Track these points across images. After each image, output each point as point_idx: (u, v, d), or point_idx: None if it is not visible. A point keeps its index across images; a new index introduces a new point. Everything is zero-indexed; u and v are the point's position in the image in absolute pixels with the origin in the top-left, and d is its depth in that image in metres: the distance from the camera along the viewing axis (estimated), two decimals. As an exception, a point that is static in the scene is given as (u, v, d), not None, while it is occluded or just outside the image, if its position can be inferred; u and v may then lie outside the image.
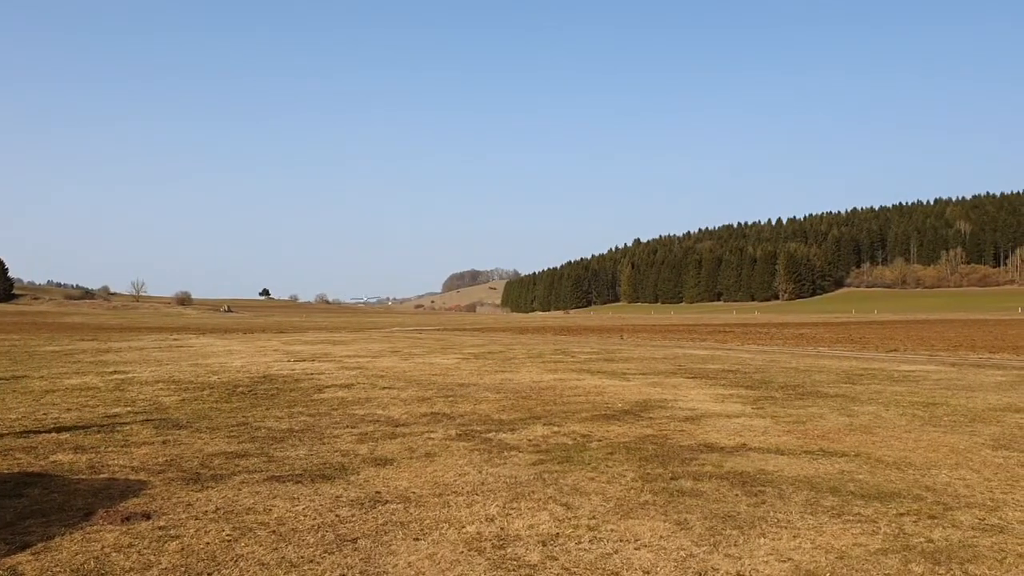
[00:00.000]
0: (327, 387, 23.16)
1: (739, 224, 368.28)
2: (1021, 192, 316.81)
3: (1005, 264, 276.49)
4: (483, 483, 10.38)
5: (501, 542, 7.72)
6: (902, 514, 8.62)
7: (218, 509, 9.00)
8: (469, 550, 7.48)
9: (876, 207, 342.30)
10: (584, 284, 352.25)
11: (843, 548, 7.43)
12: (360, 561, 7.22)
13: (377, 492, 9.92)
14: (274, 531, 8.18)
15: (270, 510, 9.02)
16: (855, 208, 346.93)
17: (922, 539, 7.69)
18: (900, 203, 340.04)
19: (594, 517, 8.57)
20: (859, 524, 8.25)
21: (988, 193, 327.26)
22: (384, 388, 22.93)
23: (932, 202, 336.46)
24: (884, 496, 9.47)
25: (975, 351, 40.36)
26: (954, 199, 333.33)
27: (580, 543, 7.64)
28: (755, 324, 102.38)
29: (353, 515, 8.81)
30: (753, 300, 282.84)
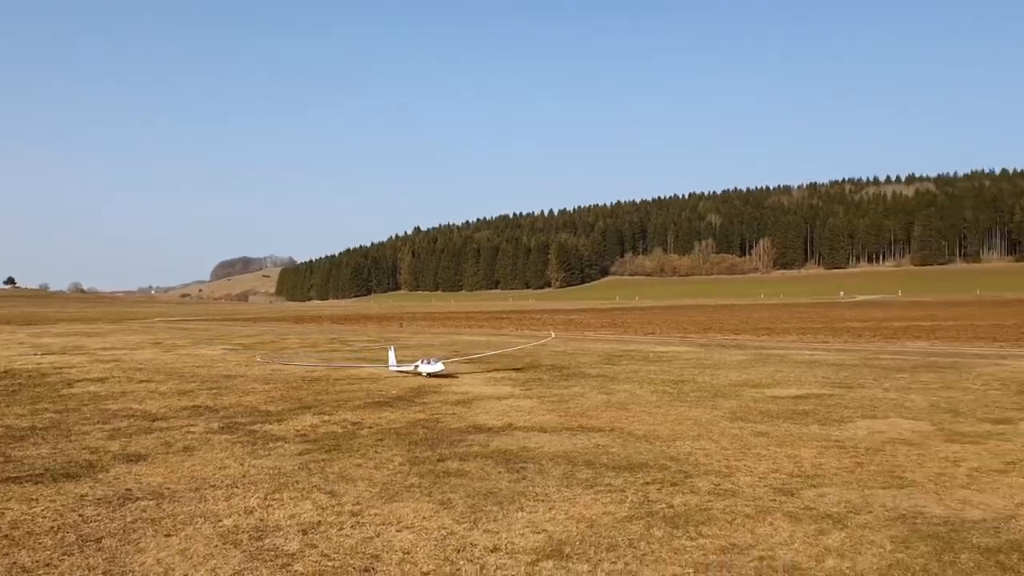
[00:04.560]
0: (78, 381, 21.46)
1: (515, 215, 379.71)
2: (763, 188, 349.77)
3: (750, 254, 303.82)
4: (244, 475, 10.04)
5: (259, 533, 7.51)
6: (648, 483, 9.25)
7: (-63, 519, 8.11)
8: (225, 543, 7.22)
9: (637, 200, 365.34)
10: (364, 272, 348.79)
11: (594, 517, 7.87)
12: (104, 561, 6.77)
13: (128, 489, 9.34)
14: (6, 535, 7.50)
15: (3, 513, 8.26)
16: (619, 201, 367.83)
17: (664, 505, 8.29)
18: (659, 197, 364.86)
19: (358, 503, 8.54)
20: (609, 494, 8.77)
21: (736, 188, 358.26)
22: (142, 381, 21.58)
23: (687, 196, 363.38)
24: (633, 467, 10.12)
25: (722, 333, 43.98)
26: (706, 194, 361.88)
27: (342, 529, 7.58)
28: (529, 311, 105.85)
29: (99, 514, 8.24)
30: (528, 288, 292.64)
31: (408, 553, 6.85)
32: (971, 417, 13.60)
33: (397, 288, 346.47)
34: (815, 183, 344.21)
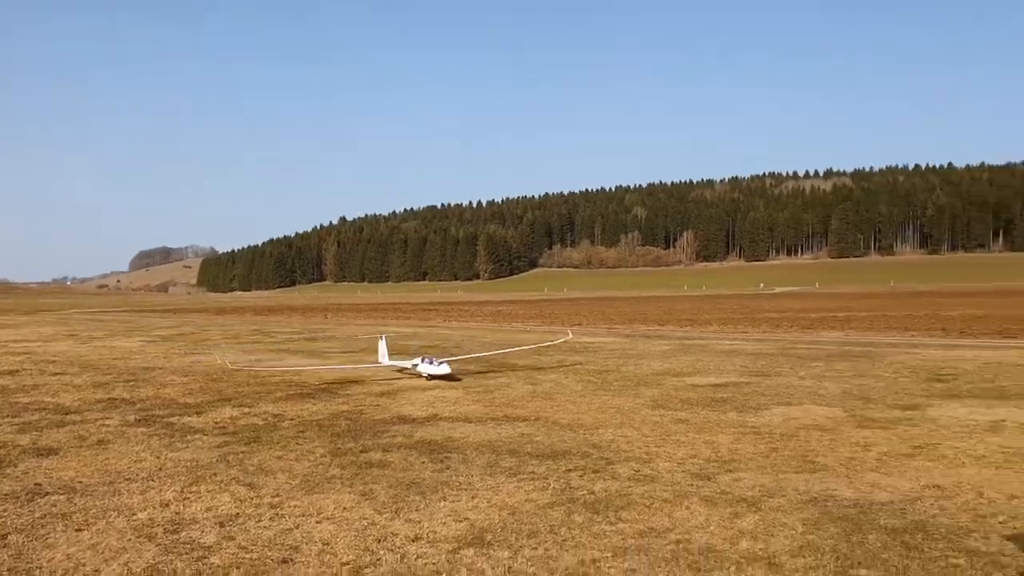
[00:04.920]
0: (-16, 376, 20.66)
1: (442, 205, 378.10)
2: (687, 182, 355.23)
3: (674, 246, 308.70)
4: (160, 468, 9.81)
5: (175, 526, 7.34)
6: (570, 470, 9.35)
7: None
8: (139, 537, 7.04)
9: (566, 192, 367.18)
10: (288, 263, 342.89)
11: (516, 504, 7.91)
12: (9, 558, 6.54)
13: (37, 484, 9.04)
14: (-97, 537, 7.18)
15: (-101, 514, 7.91)
16: (547, 193, 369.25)
17: (585, 491, 8.39)
18: (586, 189, 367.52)
19: (278, 495, 8.42)
20: (532, 482, 8.83)
21: (660, 182, 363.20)
22: (55, 374, 20.89)
23: (614, 189, 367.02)
24: (556, 455, 10.21)
25: (646, 324, 44.62)
26: (632, 187, 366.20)
27: (260, 521, 7.46)
28: (458, 302, 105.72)
29: (6, 510, 7.96)
30: (457, 279, 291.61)
31: (328, 544, 6.79)
32: (881, 404, 14.09)
33: (322, 279, 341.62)
34: (737, 177, 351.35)
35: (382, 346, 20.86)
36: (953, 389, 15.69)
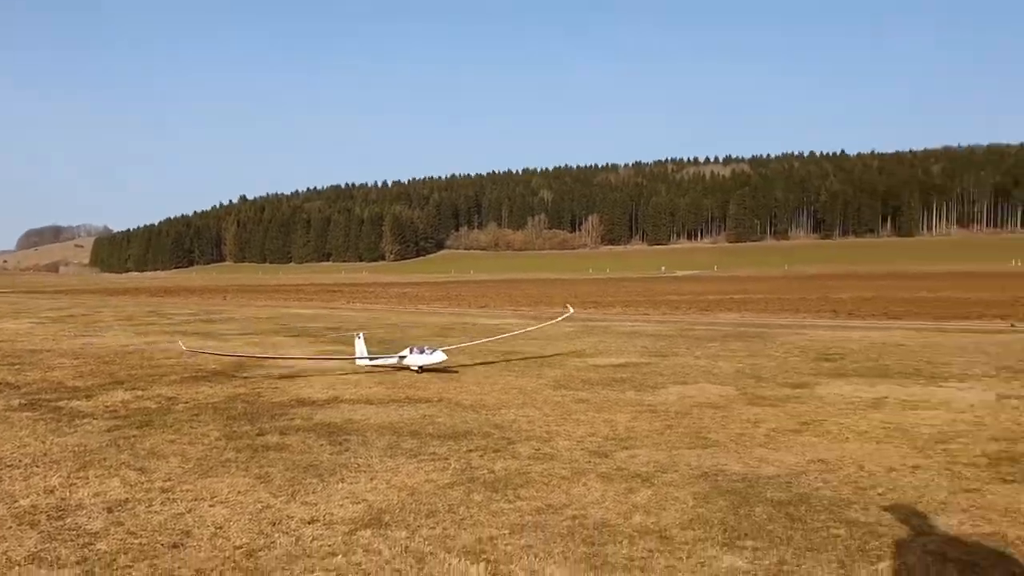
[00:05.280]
0: None
1: (347, 185, 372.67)
2: (592, 166, 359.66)
3: (580, 230, 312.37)
4: (46, 454, 9.43)
5: (60, 513, 7.08)
6: (471, 450, 9.39)
7: None
8: (20, 524, 6.76)
9: (473, 174, 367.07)
10: (186, 243, 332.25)
11: (415, 485, 7.91)
12: None
13: (-91, 474, 8.56)
14: None
15: None
16: (454, 174, 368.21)
17: (486, 471, 8.44)
18: (494, 171, 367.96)
19: (170, 479, 8.20)
20: (433, 462, 8.84)
21: (567, 165, 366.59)
22: (-70, 358, 19.81)
23: (521, 172, 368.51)
24: (458, 435, 10.24)
25: (552, 306, 45.06)
26: (539, 170, 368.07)
27: (151, 506, 7.26)
28: (362, 284, 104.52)
29: None
30: (361, 260, 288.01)
31: (221, 528, 6.65)
32: (772, 382, 14.62)
33: (222, 259, 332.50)
34: (640, 162, 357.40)
35: (360, 344, 18.04)
36: (840, 368, 16.39)
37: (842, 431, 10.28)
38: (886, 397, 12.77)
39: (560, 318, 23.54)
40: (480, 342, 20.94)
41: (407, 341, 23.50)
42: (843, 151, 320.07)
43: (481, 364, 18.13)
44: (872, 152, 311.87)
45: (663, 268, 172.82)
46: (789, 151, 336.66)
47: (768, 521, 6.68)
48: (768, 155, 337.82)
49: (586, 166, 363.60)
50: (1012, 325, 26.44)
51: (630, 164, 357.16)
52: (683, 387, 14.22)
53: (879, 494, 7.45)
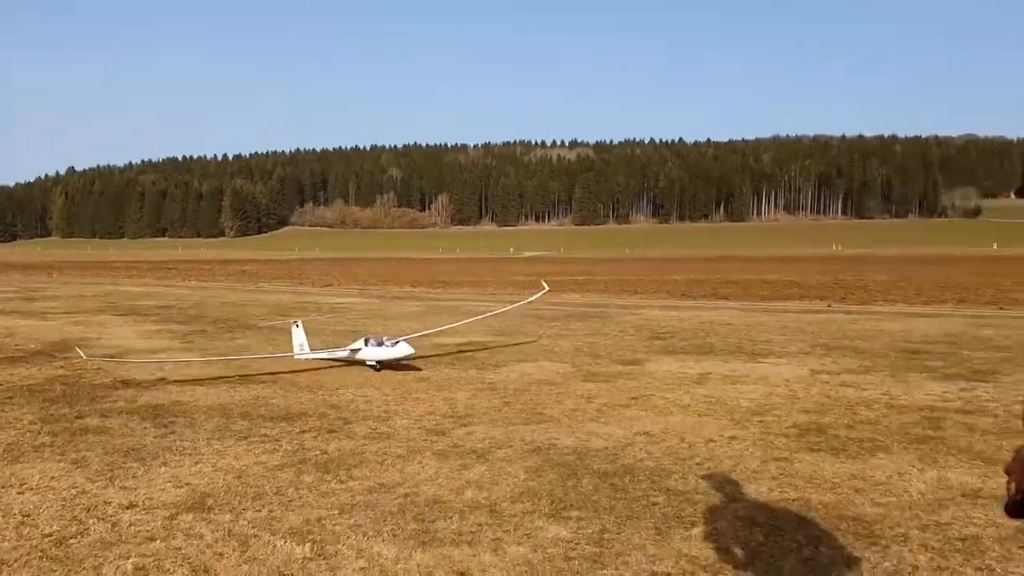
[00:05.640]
0: None
1: (184, 158, 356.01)
2: (442, 145, 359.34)
3: (429, 209, 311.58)
4: None
5: None
6: (305, 431, 9.22)
7: None
8: None
9: (319, 149, 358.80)
10: (7, 216, 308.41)
11: (243, 468, 7.69)
12: None
13: None
14: None
15: None
16: (299, 149, 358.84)
17: (318, 452, 8.31)
18: (341, 147, 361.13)
19: (-27, 467, 7.63)
20: (263, 444, 8.62)
21: (416, 143, 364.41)
22: None
23: (369, 148, 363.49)
24: (292, 416, 10.03)
25: (399, 285, 44.84)
26: (388, 147, 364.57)
27: (-51, 497, 6.73)
28: (199, 261, 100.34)
29: None
30: (200, 236, 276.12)
31: (28, 516, 6.26)
32: (607, 359, 15.10)
33: (47, 234, 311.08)
34: (489, 143, 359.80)
35: (298, 334, 14.87)
36: (669, 346, 17.12)
37: (668, 405, 10.75)
38: (710, 373, 13.44)
39: (538, 295, 20.37)
40: (449, 327, 17.95)
41: (244, 319, 22.84)
42: (681, 139, 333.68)
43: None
44: (708, 140, 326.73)
45: (512, 249, 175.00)
46: (631, 137, 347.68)
47: (593, 492, 6.91)
48: (611, 141, 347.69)
49: (436, 145, 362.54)
50: (829, 305, 28.39)
51: (480, 145, 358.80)
52: (523, 365, 14.47)
53: (697, 464, 7.84)
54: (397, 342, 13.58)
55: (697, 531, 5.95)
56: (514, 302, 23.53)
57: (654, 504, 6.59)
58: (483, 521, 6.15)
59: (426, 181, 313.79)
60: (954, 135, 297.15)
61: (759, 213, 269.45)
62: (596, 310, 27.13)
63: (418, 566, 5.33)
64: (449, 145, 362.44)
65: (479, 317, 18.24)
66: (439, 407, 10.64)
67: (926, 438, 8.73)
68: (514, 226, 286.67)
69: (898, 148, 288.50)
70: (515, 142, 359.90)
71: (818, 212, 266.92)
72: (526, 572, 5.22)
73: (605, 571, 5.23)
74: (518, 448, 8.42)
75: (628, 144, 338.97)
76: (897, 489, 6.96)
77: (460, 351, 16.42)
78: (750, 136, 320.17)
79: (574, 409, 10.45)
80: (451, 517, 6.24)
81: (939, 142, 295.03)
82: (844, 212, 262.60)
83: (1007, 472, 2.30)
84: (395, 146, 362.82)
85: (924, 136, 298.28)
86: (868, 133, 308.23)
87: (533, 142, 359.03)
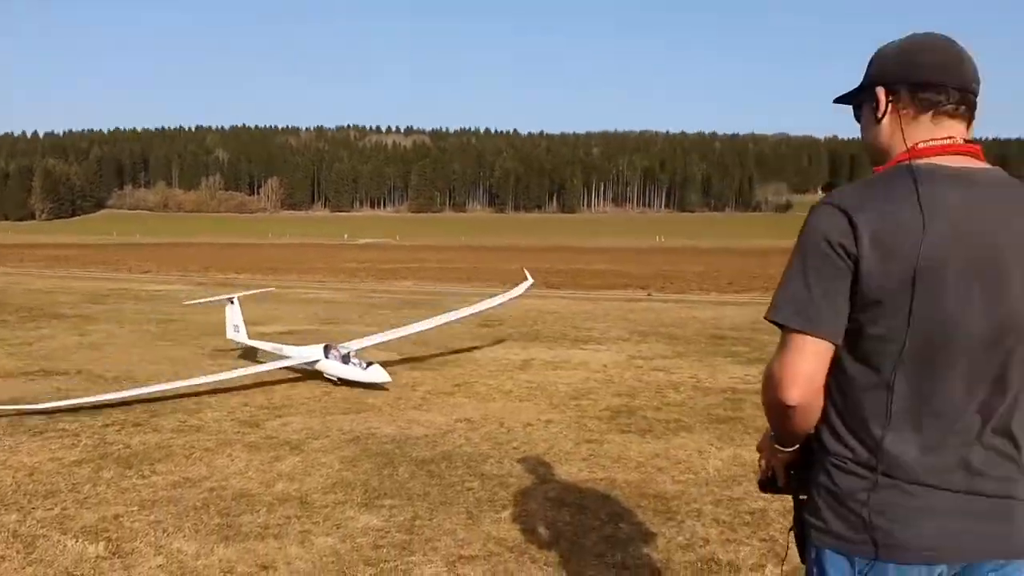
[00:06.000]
0: None
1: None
2: (272, 127, 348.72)
3: (259, 193, 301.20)
4: None
5: None
6: (108, 425, 8.73)
7: None
8: None
9: (139, 129, 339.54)
10: None
11: (36, 464, 7.21)
12: None
13: None
14: None
15: None
16: (117, 128, 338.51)
17: (121, 446, 7.90)
18: (163, 127, 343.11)
19: None
20: (61, 439, 8.10)
21: (244, 124, 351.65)
22: None
23: (193, 128, 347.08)
24: (94, 409, 9.46)
25: (225, 272, 43.19)
26: (214, 128, 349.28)
27: None
28: (5, 245, 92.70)
29: None
30: (7, 219, 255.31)
31: None
32: (433, 346, 15.14)
33: None
34: (322, 127, 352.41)
35: (234, 313, 13.02)
36: (497, 333, 17.40)
37: (490, 391, 10.91)
38: (534, 359, 13.75)
39: (524, 286, 17.29)
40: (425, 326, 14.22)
41: (52, 307, 21.36)
42: (516, 130, 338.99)
43: (131, 332, 16.91)
44: (541, 132, 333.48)
45: (346, 235, 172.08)
46: (467, 127, 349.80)
47: (409, 479, 6.93)
48: (447, 129, 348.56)
49: (265, 127, 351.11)
50: (649, 294, 29.67)
51: (312, 128, 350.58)
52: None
53: (514, 448, 8.01)
54: (370, 364, 10.85)
55: (507, 514, 6.08)
56: (359, 291, 23.22)
57: (469, 489, 6.68)
58: (292, 513, 6.04)
59: (255, 164, 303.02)
60: (769, 133, 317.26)
61: (589, 205, 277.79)
62: (428, 297, 27.15)
63: (220, 561, 5.17)
64: (280, 128, 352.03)
65: (457, 315, 14.87)
66: (254, 398, 10.35)
67: (726, 418, 9.30)
68: (348, 212, 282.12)
69: (717, 145, 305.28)
70: (349, 126, 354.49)
71: (644, 205, 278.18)
72: (332, 563, 5.17)
73: (413, 557, 5.26)
74: (335, 438, 8.31)
75: (464, 133, 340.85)
76: (696, 467, 7.38)
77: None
78: (581, 130, 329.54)
79: (398, 397, 10.42)
80: (258, 510, 6.09)
81: (755, 140, 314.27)
82: (667, 205, 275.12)
83: (759, 450, 2.47)
84: (221, 127, 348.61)
85: (741, 134, 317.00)
86: (689, 130, 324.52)
87: (367, 127, 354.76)
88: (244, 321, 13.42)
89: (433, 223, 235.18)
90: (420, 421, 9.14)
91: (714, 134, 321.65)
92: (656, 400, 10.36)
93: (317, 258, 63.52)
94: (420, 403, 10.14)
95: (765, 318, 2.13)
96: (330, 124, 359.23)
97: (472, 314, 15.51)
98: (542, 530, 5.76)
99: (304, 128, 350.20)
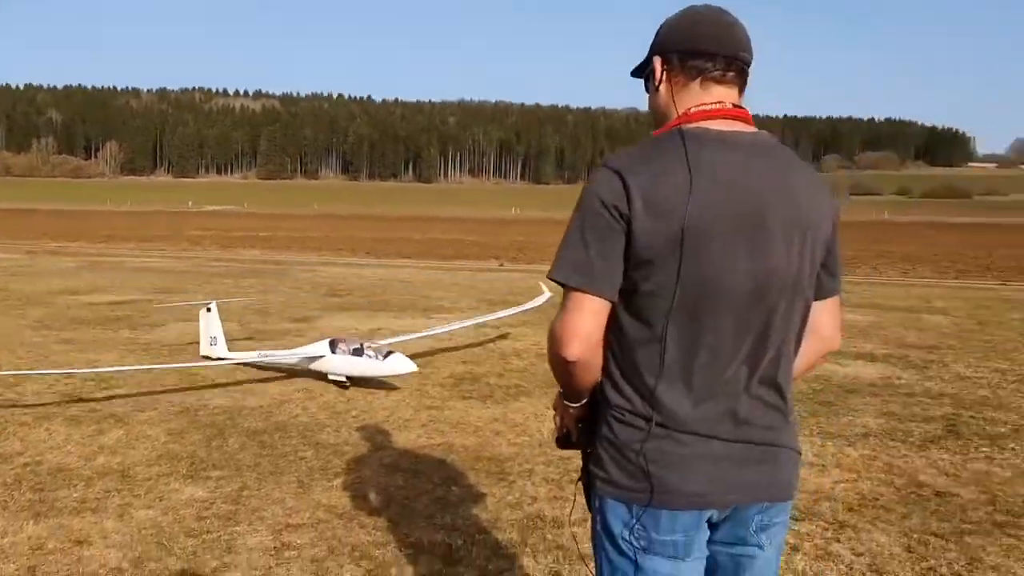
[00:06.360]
0: None
1: None
2: (110, 88, 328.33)
3: (96, 157, 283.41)
4: None
5: None
6: (-91, 401, 8.09)
7: None
8: None
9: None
10: None
11: None
12: None
13: None
14: None
15: None
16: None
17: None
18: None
19: None
20: None
21: (79, 85, 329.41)
22: None
23: (22, 87, 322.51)
24: None
25: (56, 240, 40.61)
26: (45, 86, 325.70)
27: None
28: None
29: None
30: None
31: None
32: (277, 316, 14.85)
33: None
34: (165, 89, 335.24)
35: (211, 324, 10.21)
36: (345, 303, 17.17)
37: (332, 360, 10.75)
38: (381, 328, 13.68)
39: (540, 299, 13.33)
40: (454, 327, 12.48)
41: None
42: (370, 96, 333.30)
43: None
44: (396, 100, 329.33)
45: (191, 202, 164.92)
46: (318, 91, 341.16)
47: (239, 451, 6.78)
48: (298, 93, 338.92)
49: (103, 87, 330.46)
50: (501, 264, 30.00)
51: (154, 90, 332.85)
52: (186, 324, 13.71)
53: (353, 417, 7.96)
54: (389, 353, 9.00)
55: (339, 481, 6.05)
56: (200, 259, 22.31)
57: (301, 459, 6.60)
58: (112, 487, 5.79)
59: (91, 126, 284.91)
60: (619, 108, 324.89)
61: (446, 175, 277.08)
62: (274, 267, 26.48)
63: (29, 539, 4.91)
64: (118, 88, 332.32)
65: (471, 322, 13.09)
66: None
67: (564, 383, 9.54)
68: (193, 178, 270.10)
69: (570, 118, 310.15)
70: (194, 88, 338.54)
71: (500, 176, 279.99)
72: (152, 535, 5.00)
73: (238, 527, 5.16)
74: (164, 410, 8.02)
75: (316, 98, 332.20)
76: (531, 430, 7.55)
77: (113, 311, 15.25)
78: (436, 98, 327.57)
79: (233, 369, 10.12)
80: (76, 485, 5.82)
81: (606, 114, 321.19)
82: (523, 177, 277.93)
83: (553, 408, 2.55)
84: (54, 86, 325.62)
85: (593, 108, 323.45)
86: (544, 103, 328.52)
87: (214, 90, 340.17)
88: (224, 332, 10.31)
89: (284, 190, 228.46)
90: (255, 391, 8.95)
91: (567, 107, 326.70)
92: (500, 367, 10.52)
93: (159, 225, 60.63)
94: (256, 374, 9.91)
95: (548, 277, 2.20)
96: (173, 86, 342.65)
97: (484, 322, 13.29)
98: (373, 496, 5.77)
99: (146, 89, 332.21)
